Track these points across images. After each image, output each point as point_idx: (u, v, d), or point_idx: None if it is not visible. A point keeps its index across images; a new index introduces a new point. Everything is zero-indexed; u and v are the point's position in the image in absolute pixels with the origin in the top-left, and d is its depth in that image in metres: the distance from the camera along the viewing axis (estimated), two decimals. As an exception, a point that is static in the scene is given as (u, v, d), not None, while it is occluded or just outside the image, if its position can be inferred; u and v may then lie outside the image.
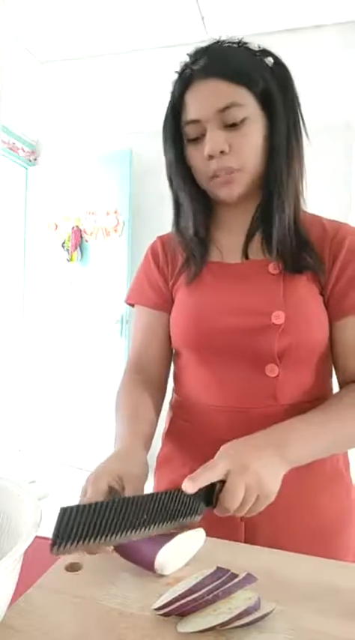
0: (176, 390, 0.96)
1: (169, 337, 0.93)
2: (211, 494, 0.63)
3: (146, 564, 0.62)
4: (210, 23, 3.17)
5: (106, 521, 0.55)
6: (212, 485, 0.63)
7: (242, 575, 0.56)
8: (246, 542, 0.80)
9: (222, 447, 0.69)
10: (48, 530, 0.56)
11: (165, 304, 0.94)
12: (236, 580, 0.56)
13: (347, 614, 0.56)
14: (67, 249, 3.56)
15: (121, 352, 3.38)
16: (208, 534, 0.70)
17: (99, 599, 0.58)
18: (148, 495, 0.59)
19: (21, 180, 3.82)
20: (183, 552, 0.65)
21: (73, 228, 3.55)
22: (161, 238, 0.99)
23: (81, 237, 3.56)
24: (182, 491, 0.60)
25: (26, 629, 0.53)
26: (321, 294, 0.84)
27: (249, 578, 0.56)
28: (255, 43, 0.83)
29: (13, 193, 3.79)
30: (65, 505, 0.52)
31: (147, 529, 0.58)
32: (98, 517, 0.54)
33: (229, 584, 0.55)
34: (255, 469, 0.64)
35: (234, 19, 3.12)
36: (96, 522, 0.54)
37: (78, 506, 0.53)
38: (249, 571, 0.57)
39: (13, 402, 3.79)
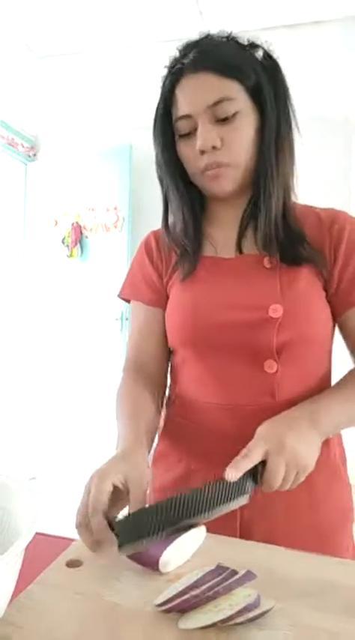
0: (172, 387, 0.96)
1: (166, 332, 0.93)
2: (255, 472, 0.66)
3: (150, 564, 0.62)
4: (208, 18, 3.16)
5: (164, 517, 0.60)
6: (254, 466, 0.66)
7: (242, 572, 0.56)
8: (240, 538, 0.80)
9: (257, 429, 0.72)
10: (49, 527, 0.57)
11: (161, 300, 0.93)
12: (236, 577, 0.56)
13: (347, 611, 0.56)
14: (67, 246, 3.56)
15: (121, 349, 3.38)
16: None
17: (100, 596, 0.58)
18: (195, 490, 0.62)
19: (20, 176, 3.81)
20: (185, 549, 0.65)
21: (72, 224, 3.55)
22: (155, 233, 0.98)
23: (81, 233, 3.55)
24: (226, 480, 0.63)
25: (27, 625, 0.54)
26: (325, 288, 0.83)
27: (250, 575, 0.56)
28: (251, 37, 0.83)
29: (13, 189, 3.78)
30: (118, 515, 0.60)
31: (203, 515, 0.62)
32: (155, 515, 0.60)
33: (230, 581, 0.55)
34: (292, 445, 0.67)
35: (232, 14, 3.11)
36: (154, 520, 0.59)
37: (135, 512, 0.61)
38: (248, 568, 0.57)
39: (13, 398, 3.80)
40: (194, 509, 0.61)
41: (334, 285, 0.83)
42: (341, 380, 0.84)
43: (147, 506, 0.63)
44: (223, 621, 0.51)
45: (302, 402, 0.77)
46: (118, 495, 0.65)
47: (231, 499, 0.63)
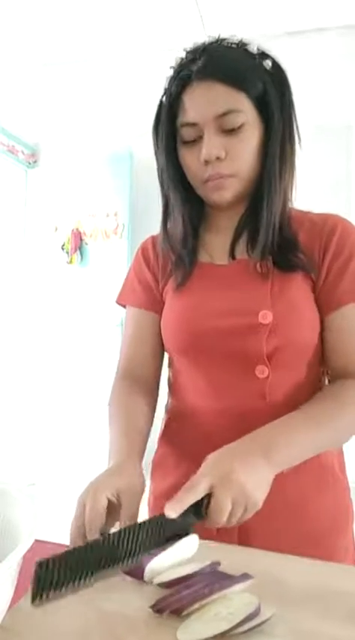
0: (171, 393, 0.96)
1: (160, 338, 0.93)
2: (199, 506, 0.62)
3: (135, 574, 0.61)
4: (209, 26, 3.18)
5: (87, 562, 0.53)
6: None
7: (238, 575, 0.57)
8: (239, 544, 0.80)
9: (205, 460, 0.66)
10: (48, 534, 0.56)
11: (156, 305, 0.93)
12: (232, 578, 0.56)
13: (349, 617, 0.56)
14: (67, 252, 3.56)
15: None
16: (202, 537, 0.68)
17: (98, 603, 0.58)
18: (132, 526, 0.58)
19: (21, 182, 3.82)
20: (177, 559, 0.63)
21: (72, 230, 3.55)
22: (153, 238, 0.99)
23: (80, 239, 3.56)
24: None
25: (25, 631, 0.53)
26: (313, 291, 0.83)
27: (246, 576, 0.56)
28: (255, 45, 0.82)
29: (13, 196, 3.79)
30: (40, 559, 0.50)
31: (133, 559, 0.57)
32: (78, 561, 0.52)
33: (225, 580, 0.55)
34: (240, 479, 0.62)
35: (234, 22, 3.13)
36: (76, 567, 0.52)
37: (54, 557, 0.51)
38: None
39: (12, 404, 3.79)
40: (124, 553, 0.56)
41: (319, 286, 0.83)
42: (310, 403, 0.78)
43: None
44: (223, 633, 0.51)
45: (261, 429, 0.71)
46: (112, 509, 0.64)
47: (170, 538, 0.59)
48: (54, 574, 0.50)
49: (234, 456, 0.66)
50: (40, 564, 0.49)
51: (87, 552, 0.54)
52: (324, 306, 0.83)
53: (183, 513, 0.59)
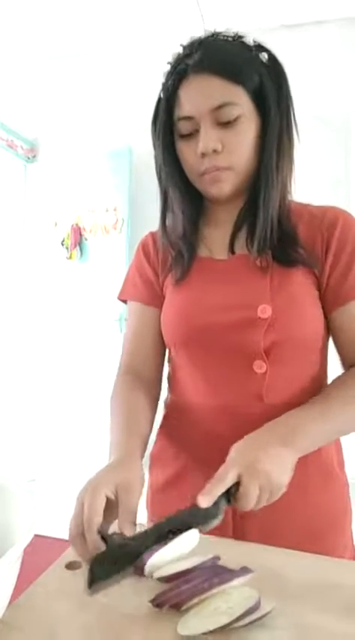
0: (169, 389, 0.96)
1: (161, 333, 0.92)
2: (228, 493, 0.65)
3: (136, 569, 0.62)
4: (209, 19, 3.16)
5: (132, 551, 0.58)
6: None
7: (238, 569, 0.57)
8: (234, 536, 0.80)
9: (230, 452, 0.69)
10: (48, 529, 0.56)
11: (157, 299, 0.93)
12: (231, 572, 0.56)
13: (347, 611, 0.56)
14: (66, 247, 3.56)
15: (120, 351, 3.37)
16: None
17: (98, 597, 0.58)
18: (168, 518, 0.62)
19: (20, 177, 3.81)
20: (177, 554, 0.63)
21: (72, 225, 3.55)
22: (153, 234, 0.99)
23: (80, 234, 3.55)
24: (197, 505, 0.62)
25: (26, 626, 0.53)
26: (318, 288, 0.83)
27: (246, 570, 0.56)
28: (251, 37, 0.81)
29: (12, 191, 3.78)
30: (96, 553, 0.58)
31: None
32: (122, 551, 0.58)
33: (224, 573, 0.55)
34: (266, 468, 0.64)
35: (233, 15, 3.11)
36: (122, 555, 0.58)
37: (105, 552, 0.58)
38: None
39: (12, 400, 3.79)
40: (165, 538, 0.60)
41: (324, 282, 0.82)
42: (325, 390, 0.81)
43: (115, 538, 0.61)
44: (223, 627, 0.51)
45: (279, 419, 0.74)
46: (111, 506, 0.64)
47: (204, 523, 0.62)
48: (105, 566, 0.57)
49: (257, 446, 0.68)
50: (94, 558, 0.57)
51: (132, 545, 0.59)
52: (331, 302, 0.82)
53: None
